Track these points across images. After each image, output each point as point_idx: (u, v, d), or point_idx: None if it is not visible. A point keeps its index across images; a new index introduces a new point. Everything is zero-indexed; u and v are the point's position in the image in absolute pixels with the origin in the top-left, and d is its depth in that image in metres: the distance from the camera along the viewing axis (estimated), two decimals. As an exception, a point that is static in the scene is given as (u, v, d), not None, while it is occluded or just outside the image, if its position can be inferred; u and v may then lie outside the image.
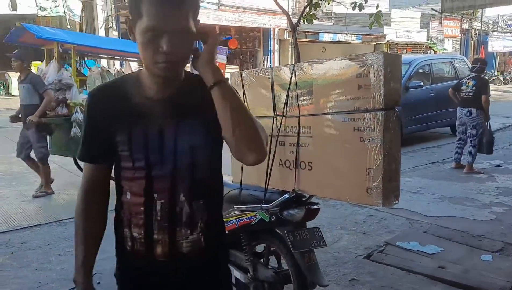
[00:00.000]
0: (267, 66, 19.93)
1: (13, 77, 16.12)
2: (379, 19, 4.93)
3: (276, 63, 20.48)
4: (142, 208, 1.26)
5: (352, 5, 5.06)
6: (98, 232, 1.33)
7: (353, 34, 21.39)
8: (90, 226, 1.31)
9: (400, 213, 4.50)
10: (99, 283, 3.16)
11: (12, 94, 15.90)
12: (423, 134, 8.83)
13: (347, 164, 2.05)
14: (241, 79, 2.57)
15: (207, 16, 17.09)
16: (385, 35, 23.45)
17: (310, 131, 2.23)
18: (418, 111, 8.09)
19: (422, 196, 5.17)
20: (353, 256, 3.55)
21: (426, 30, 26.13)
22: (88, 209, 1.31)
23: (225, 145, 1.29)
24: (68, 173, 6.19)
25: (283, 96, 2.33)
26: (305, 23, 5.50)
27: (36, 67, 7.85)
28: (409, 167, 6.59)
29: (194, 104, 1.26)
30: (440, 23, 25.60)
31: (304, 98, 2.23)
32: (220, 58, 17.13)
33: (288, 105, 2.31)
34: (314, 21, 5.54)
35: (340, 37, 21.63)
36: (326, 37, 21.22)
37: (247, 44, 21.79)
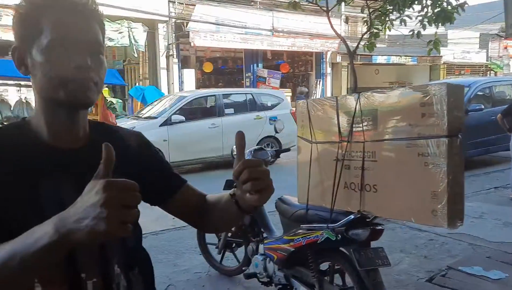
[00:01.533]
0: (320, 89, 20.00)
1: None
2: (437, 45, 4.99)
3: (329, 86, 20.60)
4: None
5: (410, 32, 5.16)
6: None
7: (408, 56, 21.14)
8: None
9: (462, 237, 4.46)
10: (173, 294, 3.43)
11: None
12: (484, 158, 8.58)
13: (412, 187, 2.18)
14: (307, 107, 2.78)
15: (261, 42, 17.62)
16: (441, 56, 22.94)
17: (374, 156, 2.39)
18: (478, 135, 7.90)
19: (485, 221, 5.07)
20: (414, 279, 3.59)
21: (485, 50, 25.28)
22: None
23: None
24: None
25: (348, 122, 2.51)
26: (365, 50, 5.65)
27: None
28: (470, 192, 6.44)
29: (120, 160, 0.88)
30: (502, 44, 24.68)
31: (369, 124, 2.40)
32: (274, 82, 17.60)
33: (352, 131, 2.49)
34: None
35: (394, 59, 21.44)
36: (380, 59, 21.10)
37: (300, 68, 22.11)
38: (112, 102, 5.73)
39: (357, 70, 20.68)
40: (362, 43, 6.00)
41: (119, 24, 14.75)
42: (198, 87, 18.32)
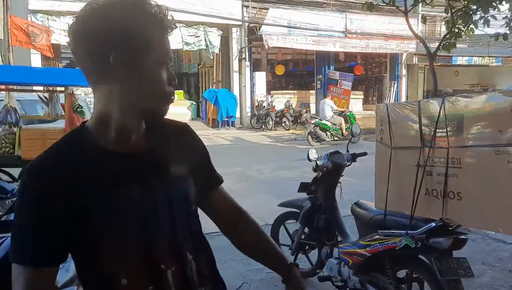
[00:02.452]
0: (394, 91, 19.35)
1: None
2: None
3: (404, 89, 19.86)
4: (152, 287, 1.01)
5: (495, 35, 4.87)
6: None
7: (492, 56, 19.77)
8: None
9: (553, 253, 4.13)
10: (248, 291, 3.54)
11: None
12: None
13: (500, 195, 2.09)
14: (387, 112, 2.75)
15: (333, 44, 17.44)
16: (531, 56, 21.21)
17: (459, 162, 2.31)
18: None
19: None
20: (498, 293, 3.39)
21: None
22: None
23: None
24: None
25: (431, 128, 2.45)
26: (443, 50, 5.42)
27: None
28: None
29: (176, 154, 1.09)
30: None
31: (454, 130, 2.33)
32: (345, 85, 17.33)
33: (436, 136, 2.42)
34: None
35: (476, 60, 20.18)
36: (460, 60, 19.96)
37: (373, 69, 21.56)
38: (79, 105, 5.75)
39: (436, 72, 19.76)
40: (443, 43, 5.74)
41: (195, 28, 15.39)
42: (268, 89, 18.56)
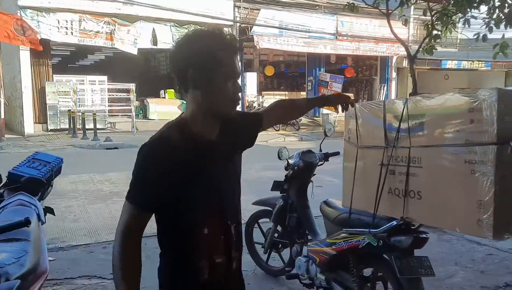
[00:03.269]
0: (383, 94, 19.47)
1: (151, 103, 18.25)
2: (504, 49, 4.69)
3: (393, 92, 19.98)
4: (223, 237, 1.45)
5: (475, 36, 4.90)
6: (140, 271, 1.38)
7: (481, 60, 19.95)
8: (137, 265, 1.37)
9: (526, 254, 4.18)
10: None
11: (149, 117, 17.96)
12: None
13: (457, 195, 2.11)
14: (355, 111, 2.76)
15: (324, 46, 17.50)
16: (519, 61, 21.41)
17: (420, 162, 2.33)
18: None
19: (555, 240, 4.69)
20: (467, 293, 3.42)
21: None
22: (135, 250, 1.37)
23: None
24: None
25: (395, 127, 2.46)
26: (424, 54, 5.45)
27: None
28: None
29: (235, 138, 1.52)
30: None
31: (416, 130, 2.34)
32: (336, 87, 17.39)
33: (399, 136, 2.44)
34: (437, 47, 5.45)
35: (465, 64, 20.34)
36: (450, 64, 20.12)
37: (364, 72, 21.66)
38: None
39: (424, 76, 19.94)
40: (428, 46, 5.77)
41: (186, 28, 15.33)
42: (260, 90, 18.57)
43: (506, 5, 4.74)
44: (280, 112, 1.90)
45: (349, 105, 2.15)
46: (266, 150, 12.37)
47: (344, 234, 2.72)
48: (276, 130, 16.02)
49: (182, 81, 1.39)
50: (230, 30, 16.35)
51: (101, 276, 3.75)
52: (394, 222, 2.43)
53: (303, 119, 17.61)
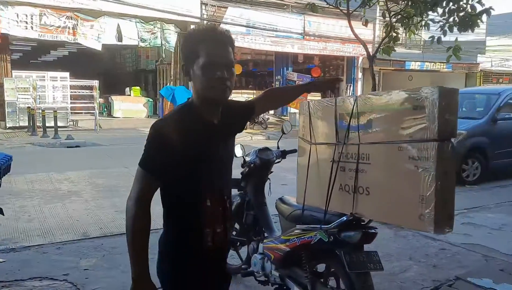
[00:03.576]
0: (350, 94, 19.84)
1: (115, 100, 17.86)
2: (456, 52, 4.85)
3: (359, 92, 20.33)
4: (221, 208, 1.68)
5: (430, 38, 5.04)
6: (148, 233, 1.56)
7: (443, 62, 20.59)
8: (147, 228, 1.55)
9: (476, 249, 4.33)
10: None
11: (114, 115, 17.58)
12: (514, 169, 8.25)
13: (401, 190, 2.15)
14: (308, 108, 2.79)
15: (291, 45, 17.62)
16: (478, 64, 22.25)
17: (369, 158, 2.37)
18: (508, 145, 7.63)
19: (504, 233, 4.89)
20: (419, 287, 3.51)
21: (526, 58, 24.26)
22: (146, 214, 1.54)
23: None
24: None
25: (345, 124, 2.50)
26: (382, 54, 5.57)
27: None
28: (493, 203, 6.24)
29: (232, 123, 1.76)
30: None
31: (364, 127, 2.38)
32: (303, 86, 17.53)
33: (349, 133, 2.47)
34: (401, 49, 5.58)
35: (428, 66, 20.95)
36: (413, 65, 20.67)
37: (331, 72, 21.94)
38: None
39: (389, 76, 20.35)
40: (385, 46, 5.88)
41: (152, 25, 15.12)
42: (227, 88, 18.46)
43: (461, 8, 4.90)
44: (271, 98, 2.15)
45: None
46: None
47: (297, 231, 2.73)
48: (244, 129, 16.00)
49: (185, 73, 1.65)
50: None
51: (53, 278, 3.63)
52: (344, 218, 2.47)
53: (271, 118, 17.68)
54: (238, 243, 3.66)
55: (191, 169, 1.57)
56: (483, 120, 7.74)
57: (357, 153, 2.42)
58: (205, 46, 1.55)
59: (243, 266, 3.40)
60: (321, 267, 2.86)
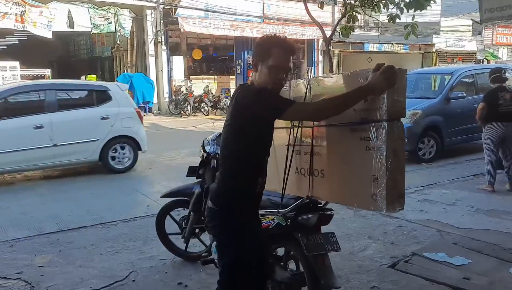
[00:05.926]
0: (311, 77, 19.98)
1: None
2: (414, 30, 4.94)
3: (320, 74, 20.51)
4: (264, 167, 2.22)
5: (388, 17, 5.10)
6: None
7: (400, 44, 21.04)
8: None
9: (431, 224, 4.48)
10: (134, 280, 3.43)
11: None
12: (466, 146, 8.58)
13: (354, 171, 2.17)
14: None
15: (250, 29, 17.47)
16: (433, 44, 22.88)
17: (322, 141, 2.37)
18: (461, 123, 7.91)
19: (457, 208, 5.09)
20: (377, 265, 3.60)
21: (479, 38, 25.15)
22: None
23: None
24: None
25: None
26: (341, 37, 5.59)
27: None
28: (448, 179, 6.48)
29: None
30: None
31: (318, 109, 2.37)
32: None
33: (303, 116, 2.45)
34: (360, 31, 5.63)
35: (386, 47, 21.35)
36: (372, 47, 21.01)
37: (292, 55, 21.96)
38: None
39: (349, 58, 20.56)
40: (342, 29, 5.90)
41: (105, 10, 14.57)
42: (188, 74, 18.21)
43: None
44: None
45: None
46: (194, 136, 12.24)
47: (255, 216, 2.72)
48: (205, 115, 15.86)
49: (253, 64, 2.10)
50: (153, 12, 15.85)
51: (5, 277, 3.48)
52: (301, 201, 2.47)
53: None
54: (197, 230, 3.61)
55: (264, 133, 2.14)
56: (437, 99, 7.98)
57: (311, 136, 2.42)
58: (276, 51, 2.02)
59: (203, 254, 3.36)
60: (280, 251, 2.87)
